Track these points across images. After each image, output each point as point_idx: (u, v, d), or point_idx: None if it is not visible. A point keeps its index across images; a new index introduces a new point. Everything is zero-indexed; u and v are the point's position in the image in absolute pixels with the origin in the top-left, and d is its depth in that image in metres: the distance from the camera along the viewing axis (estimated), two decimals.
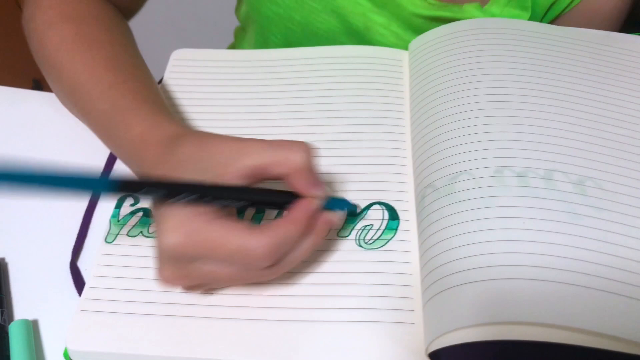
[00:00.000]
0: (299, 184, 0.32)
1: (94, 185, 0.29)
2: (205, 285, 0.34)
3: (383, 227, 0.37)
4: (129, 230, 0.38)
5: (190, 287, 0.34)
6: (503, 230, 0.32)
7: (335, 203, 0.34)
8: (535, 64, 0.42)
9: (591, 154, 0.36)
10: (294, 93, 0.45)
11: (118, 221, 0.39)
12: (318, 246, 0.33)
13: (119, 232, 0.38)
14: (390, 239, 0.36)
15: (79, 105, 0.40)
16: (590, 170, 0.35)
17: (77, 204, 0.41)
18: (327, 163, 0.40)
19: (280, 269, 0.32)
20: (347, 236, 0.37)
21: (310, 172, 0.32)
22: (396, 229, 0.37)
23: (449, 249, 0.33)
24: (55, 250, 0.39)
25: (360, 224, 0.37)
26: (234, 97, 0.45)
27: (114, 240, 0.38)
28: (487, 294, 0.30)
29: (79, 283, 0.37)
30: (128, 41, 0.43)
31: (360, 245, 0.36)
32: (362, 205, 0.38)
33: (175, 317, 0.34)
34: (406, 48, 0.47)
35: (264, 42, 0.57)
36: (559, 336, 0.28)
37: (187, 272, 0.31)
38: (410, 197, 0.38)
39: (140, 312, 0.34)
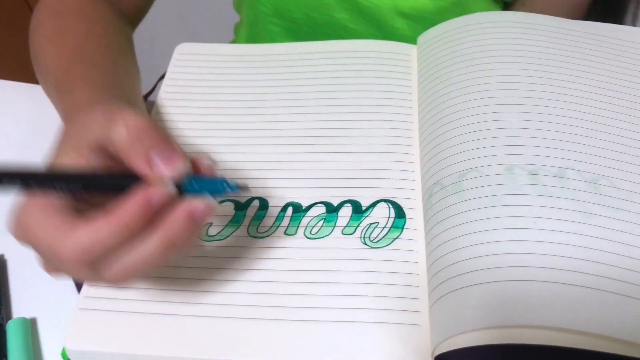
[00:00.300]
0: (131, 161, 0.25)
1: None
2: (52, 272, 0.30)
3: (389, 225, 0.36)
4: None
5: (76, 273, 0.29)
6: (513, 230, 0.31)
7: (201, 184, 0.26)
8: (547, 58, 0.41)
9: (606, 152, 0.35)
10: (299, 88, 0.44)
11: None
12: (176, 246, 0.26)
13: None
14: (396, 238, 0.35)
15: (46, 91, 0.40)
16: (605, 168, 0.34)
17: None
18: (332, 159, 0.39)
19: (115, 275, 0.26)
20: (352, 234, 0.36)
21: (141, 146, 0.25)
22: (402, 228, 0.36)
23: (457, 249, 0.32)
24: None
25: (365, 222, 0.36)
26: (238, 91, 0.44)
27: None
28: (496, 296, 0.29)
29: (78, 281, 0.37)
30: (110, 33, 0.43)
31: (366, 244, 0.35)
32: (368, 202, 0.37)
33: (175, 315, 0.33)
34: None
35: (255, 23, 0.56)
36: (571, 340, 0.27)
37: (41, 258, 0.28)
38: (417, 194, 0.37)
39: (139, 311, 0.33)
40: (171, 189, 0.25)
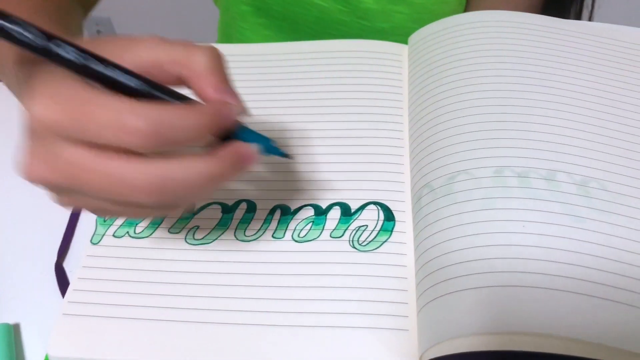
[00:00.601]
0: (200, 87, 0.26)
1: None
2: (72, 184, 0.25)
3: (378, 228, 0.36)
4: (115, 231, 0.37)
5: (57, 187, 0.25)
6: (503, 234, 0.31)
7: (251, 136, 0.27)
8: (538, 59, 0.40)
9: (596, 154, 0.34)
10: (287, 89, 0.44)
11: (104, 221, 0.38)
12: (220, 179, 0.25)
13: (105, 232, 0.37)
14: (385, 241, 0.35)
15: None
16: (595, 170, 0.34)
17: None
18: (321, 160, 0.39)
19: (165, 180, 0.24)
20: (340, 237, 0.35)
21: (215, 76, 0.26)
22: (391, 231, 0.35)
23: (446, 253, 0.31)
24: (40, 251, 0.38)
25: (354, 225, 0.36)
26: None
27: (100, 241, 0.37)
28: (485, 301, 0.29)
29: (63, 285, 0.36)
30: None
31: (354, 247, 0.35)
32: (357, 205, 0.37)
33: (162, 321, 0.33)
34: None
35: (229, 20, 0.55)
36: (561, 347, 0.27)
37: (47, 159, 0.24)
38: (407, 197, 0.37)
39: (125, 317, 0.33)
40: (233, 115, 0.26)
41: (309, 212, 0.37)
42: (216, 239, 0.36)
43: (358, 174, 0.38)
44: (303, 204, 0.37)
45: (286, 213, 0.37)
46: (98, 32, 1.11)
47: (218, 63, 0.26)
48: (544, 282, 0.29)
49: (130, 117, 0.23)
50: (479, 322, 0.28)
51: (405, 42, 0.46)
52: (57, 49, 0.24)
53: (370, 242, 0.35)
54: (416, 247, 0.34)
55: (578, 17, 0.53)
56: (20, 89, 0.29)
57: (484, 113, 0.37)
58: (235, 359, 0.31)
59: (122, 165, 0.23)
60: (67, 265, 0.37)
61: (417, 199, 0.35)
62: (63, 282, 0.36)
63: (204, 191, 0.25)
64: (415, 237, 0.34)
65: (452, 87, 0.39)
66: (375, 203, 0.37)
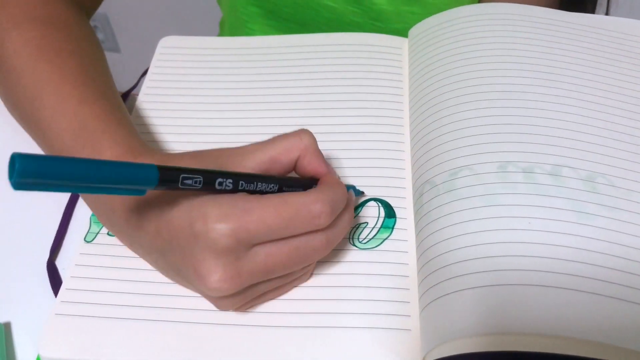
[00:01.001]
0: (313, 163, 0.31)
1: (130, 176, 0.24)
2: (259, 289, 0.30)
3: (379, 225, 0.35)
4: None
5: (242, 300, 0.30)
6: (507, 231, 0.30)
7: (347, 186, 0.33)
8: (542, 52, 0.39)
9: (602, 148, 0.34)
10: (287, 82, 0.43)
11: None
12: (352, 219, 0.32)
13: (99, 230, 0.36)
14: (386, 239, 0.34)
15: (36, 117, 0.35)
16: (601, 165, 0.33)
17: (57, 199, 0.39)
18: None
19: (334, 237, 0.30)
20: None
21: (320, 153, 0.31)
22: (392, 228, 0.35)
23: (449, 251, 0.30)
24: (32, 248, 0.37)
25: (354, 222, 0.35)
26: (224, 86, 0.43)
27: (93, 239, 0.36)
28: (489, 300, 0.28)
29: (56, 284, 0.35)
30: (97, 54, 0.39)
31: (354, 245, 0.34)
32: (357, 201, 0.36)
33: (157, 321, 0.32)
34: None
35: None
36: (568, 348, 0.26)
37: (240, 267, 0.27)
38: (408, 193, 0.36)
39: (120, 317, 0.32)
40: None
41: None
42: None
43: (358, 169, 0.37)
44: None
45: None
46: (95, 27, 1.11)
47: (316, 143, 0.31)
48: (550, 281, 0.28)
49: (316, 206, 0.28)
50: (483, 322, 0.27)
51: None
52: (219, 186, 0.27)
53: (370, 239, 0.34)
54: (418, 245, 0.33)
55: (593, 11, 0.52)
56: (135, 232, 0.31)
57: (487, 107, 0.36)
58: (230, 359, 0.30)
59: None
60: (59, 263, 0.36)
61: (418, 196, 0.34)
62: (55, 281, 0.35)
63: (347, 228, 0.31)
64: (417, 234, 0.33)
65: (454, 80, 0.38)
66: (375, 200, 0.36)
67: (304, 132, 0.31)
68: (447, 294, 0.29)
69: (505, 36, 0.40)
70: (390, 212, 0.35)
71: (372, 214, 0.35)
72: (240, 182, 0.28)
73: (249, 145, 0.30)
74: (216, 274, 0.27)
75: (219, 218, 0.26)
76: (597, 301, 0.27)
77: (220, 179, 0.27)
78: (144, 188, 0.25)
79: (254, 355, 0.30)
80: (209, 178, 0.27)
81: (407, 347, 0.30)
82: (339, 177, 0.33)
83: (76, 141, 0.33)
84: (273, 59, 0.45)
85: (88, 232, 0.36)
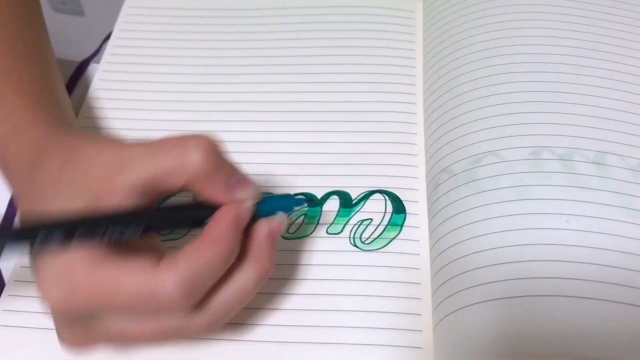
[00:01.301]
0: (209, 190, 0.27)
1: None
2: (125, 345, 0.30)
3: (385, 222, 0.34)
4: None
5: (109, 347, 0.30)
6: (541, 231, 0.29)
7: (271, 204, 0.29)
8: (585, 16, 0.38)
9: None
10: (277, 51, 0.42)
11: None
12: (267, 276, 0.28)
13: None
14: (393, 238, 0.33)
15: None
16: None
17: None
18: (315, 140, 0.37)
19: (212, 315, 0.27)
20: (339, 233, 0.34)
21: (220, 171, 0.27)
22: (402, 226, 0.34)
23: (469, 254, 0.29)
24: None
25: (355, 218, 0.34)
26: (199, 54, 0.42)
27: None
28: (518, 315, 0.27)
29: None
30: (32, 15, 0.38)
31: (356, 246, 0.33)
32: (359, 194, 0.35)
33: None
34: None
35: None
36: None
37: (87, 332, 0.27)
38: (421, 184, 0.35)
39: None
40: (250, 210, 0.28)
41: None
42: (187, 234, 0.34)
43: (360, 155, 0.36)
44: (293, 192, 0.35)
45: None
46: (63, 3, 1.10)
47: (215, 155, 0.27)
48: (593, 292, 0.27)
49: (155, 285, 0.25)
50: (511, 342, 0.26)
51: None
52: (41, 233, 0.25)
53: (375, 239, 0.33)
54: (432, 247, 0.32)
55: None
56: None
57: (516, 81, 0.35)
58: None
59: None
60: (2, 264, 0.35)
61: (433, 187, 0.33)
62: None
63: (248, 290, 0.27)
64: (431, 234, 0.32)
65: (476, 49, 0.37)
66: (381, 192, 0.35)
67: (195, 147, 0.26)
68: (467, 305, 0.28)
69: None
70: (399, 207, 0.34)
71: (377, 208, 0.34)
72: (75, 235, 0.25)
73: (132, 148, 0.27)
74: (66, 341, 0.28)
75: (46, 286, 0.26)
76: None
77: (43, 232, 0.25)
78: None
79: None
80: (24, 234, 0.25)
81: None
82: (245, 205, 0.28)
83: None
84: (260, 22, 0.43)
85: None
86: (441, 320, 0.29)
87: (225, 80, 0.40)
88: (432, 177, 0.34)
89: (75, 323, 0.27)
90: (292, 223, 0.34)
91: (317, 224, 0.34)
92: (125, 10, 0.45)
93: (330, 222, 0.34)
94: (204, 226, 0.27)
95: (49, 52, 0.37)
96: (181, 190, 0.27)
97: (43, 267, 0.26)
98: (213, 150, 0.27)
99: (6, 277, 0.34)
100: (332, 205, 0.34)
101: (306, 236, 0.33)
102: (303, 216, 0.34)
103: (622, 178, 0.31)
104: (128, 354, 0.30)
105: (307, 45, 0.42)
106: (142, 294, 0.25)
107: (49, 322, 0.31)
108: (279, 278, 0.32)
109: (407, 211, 0.34)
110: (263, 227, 0.28)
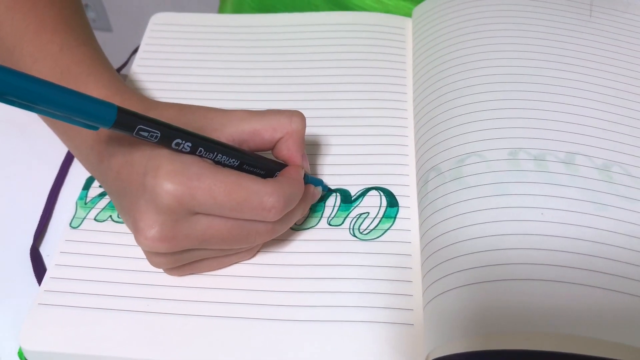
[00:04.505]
0: (292, 150, 0.30)
1: (86, 109, 0.23)
2: (193, 256, 0.29)
3: (380, 215, 0.33)
4: (97, 214, 0.34)
5: (175, 262, 0.29)
6: (519, 223, 0.28)
7: (314, 180, 0.33)
8: (556, 33, 0.37)
9: (619, 136, 0.32)
10: (284, 64, 0.41)
11: (85, 204, 0.35)
12: (305, 214, 0.33)
13: (86, 215, 0.34)
14: (388, 229, 0.33)
15: (16, 67, 0.33)
16: (618, 154, 0.31)
17: (42, 182, 0.37)
18: (317, 142, 0.36)
19: (280, 226, 0.30)
20: (340, 225, 0.33)
21: (303, 142, 0.31)
22: (395, 218, 0.33)
23: (455, 242, 0.29)
24: (14, 233, 0.35)
25: (354, 212, 0.33)
26: (217, 66, 0.41)
27: (79, 225, 0.34)
28: (499, 296, 0.26)
29: (39, 271, 0.33)
30: (76, 5, 0.38)
31: (355, 236, 0.32)
32: (358, 190, 0.34)
33: (145, 313, 0.30)
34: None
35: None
36: (582, 347, 0.24)
37: (178, 230, 0.27)
38: (412, 181, 0.34)
39: (106, 307, 0.30)
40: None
41: None
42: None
43: (358, 157, 0.35)
44: None
45: None
46: (85, 5, 1.08)
47: (304, 130, 0.30)
48: (566, 276, 0.26)
49: (269, 199, 0.27)
50: (492, 320, 0.25)
51: None
52: (176, 146, 0.26)
53: (372, 230, 0.33)
54: (422, 236, 0.31)
55: None
56: (100, 165, 0.30)
57: (497, 90, 0.34)
58: (224, 354, 0.29)
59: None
60: (43, 250, 0.35)
61: (423, 184, 0.33)
62: (39, 269, 0.33)
63: (294, 221, 0.31)
64: (421, 224, 0.32)
65: (461, 62, 0.36)
66: (377, 188, 0.34)
67: (296, 116, 0.30)
68: (454, 288, 0.27)
69: (517, 15, 0.38)
70: (392, 201, 0.34)
71: (373, 203, 0.34)
72: (200, 147, 0.27)
73: (238, 110, 0.30)
74: (152, 230, 0.26)
75: (168, 176, 0.26)
76: (616, 298, 0.25)
77: (178, 140, 0.26)
78: (98, 125, 0.24)
79: (247, 350, 0.29)
80: (167, 135, 0.26)
81: (410, 343, 0.29)
82: (308, 173, 0.32)
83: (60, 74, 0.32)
84: (270, 38, 0.43)
85: (74, 217, 0.34)
86: (430, 300, 0.28)
87: (239, 90, 0.39)
88: (421, 174, 0.33)
89: (172, 218, 0.26)
90: None
91: (321, 217, 0.33)
92: (150, 27, 0.44)
93: (332, 215, 0.33)
94: (274, 176, 0.30)
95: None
96: (266, 147, 0.30)
97: (161, 159, 0.26)
98: (305, 125, 0.30)
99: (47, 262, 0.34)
100: (334, 200, 0.34)
101: (311, 227, 0.33)
102: (309, 210, 0.34)
103: (590, 176, 0.30)
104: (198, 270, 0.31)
105: (311, 59, 0.41)
106: (252, 197, 0.26)
107: (88, 302, 0.30)
108: (287, 264, 0.31)
109: (400, 205, 0.33)
110: (311, 187, 0.32)
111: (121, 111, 0.24)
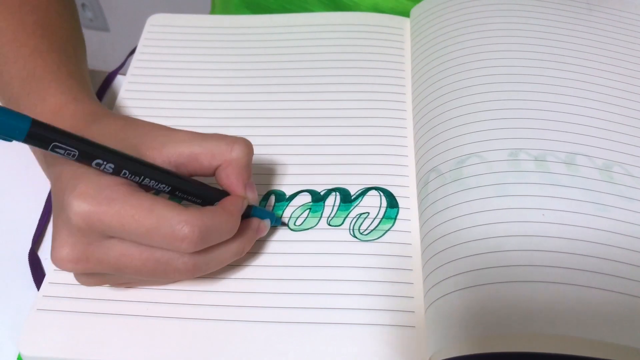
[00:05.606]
0: (231, 180, 0.29)
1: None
2: (107, 278, 0.28)
3: (380, 215, 0.33)
4: None
5: (89, 278, 0.28)
6: (520, 224, 0.28)
7: (262, 213, 0.31)
8: (555, 32, 0.37)
9: (619, 136, 0.31)
10: (282, 64, 0.40)
11: None
12: (243, 253, 0.29)
13: None
14: (388, 230, 0.32)
15: None
16: (618, 154, 0.31)
17: (40, 186, 0.36)
18: (317, 143, 0.36)
19: (204, 265, 0.27)
20: (339, 225, 0.32)
21: (246, 171, 0.29)
22: (395, 218, 0.32)
23: (456, 244, 0.28)
24: (13, 237, 0.34)
25: (354, 212, 0.33)
26: (214, 67, 0.40)
27: None
28: (501, 298, 0.26)
29: (38, 275, 0.33)
30: (64, 10, 0.38)
31: (355, 236, 0.32)
32: (358, 190, 0.34)
33: (145, 317, 0.30)
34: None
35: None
36: (587, 349, 0.24)
37: (90, 252, 0.26)
38: (412, 182, 0.34)
39: (106, 312, 0.30)
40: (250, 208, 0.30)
41: (306, 198, 0.33)
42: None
43: (358, 157, 0.35)
44: (299, 189, 0.34)
45: (281, 199, 0.33)
46: (82, 5, 1.07)
47: (250, 158, 0.29)
48: (567, 278, 0.26)
49: (183, 227, 0.25)
50: (495, 322, 0.25)
51: None
52: (97, 166, 0.25)
53: (372, 230, 0.32)
54: (423, 237, 0.31)
55: None
56: (46, 171, 0.30)
57: (496, 91, 0.33)
58: (224, 358, 0.28)
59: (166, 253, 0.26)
60: (42, 254, 0.34)
61: (423, 185, 0.32)
62: (38, 273, 0.33)
63: (231, 256, 0.29)
64: (422, 226, 0.31)
65: (460, 62, 0.36)
66: (377, 188, 0.34)
67: (239, 143, 0.29)
68: (455, 290, 0.27)
69: (516, 15, 0.37)
70: (392, 202, 0.33)
71: (373, 203, 0.33)
72: (124, 170, 0.26)
73: (182, 131, 0.29)
74: (63, 250, 0.26)
75: (80, 197, 0.25)
76: (619, 300, 0.25)
77: (98, 160, 0.25)
78: (8, 138, 0.23)
79: (246, 352, 0.28)
80: (87, 155, 0.25)
81: (411, 345, 0.28)
82: (253, 204, 0.30)
83: (23, 88, 0.32)
84: (267, 39, 0.42)
85: None
86: (432, 303, 0.28)
87: (238, 90, 0.39)
88: (422, 175, 0.33)
89: (83, 239, 0.25)
90: (298, 217, 0.33)
91: (320, 217, 0.33)
92: (148, 28, 0.43)
93: (332, 215, 0.33)
94: (213, 204, 0.28)
95: (83, 44, 0.38)
96: (206, 173, 0.29)
97: (75, 178, 0.25)
98: (250, 153, 0.29)
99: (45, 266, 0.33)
100: (334, 200, 0.33)
101: (311, 228, 0.32)
102: (308, 210, 0.33)
103: (590, 176, 0.29)
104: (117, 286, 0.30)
105: (308, 59, 0.40)
106: (163, 226, 0.25)
107: (87, 308, 0.30)
108: (287, 266, 0.31)
109: (400, 206, 0.33)
110: (255, 222, 0.30)
111: (36, 125, 0.23)
